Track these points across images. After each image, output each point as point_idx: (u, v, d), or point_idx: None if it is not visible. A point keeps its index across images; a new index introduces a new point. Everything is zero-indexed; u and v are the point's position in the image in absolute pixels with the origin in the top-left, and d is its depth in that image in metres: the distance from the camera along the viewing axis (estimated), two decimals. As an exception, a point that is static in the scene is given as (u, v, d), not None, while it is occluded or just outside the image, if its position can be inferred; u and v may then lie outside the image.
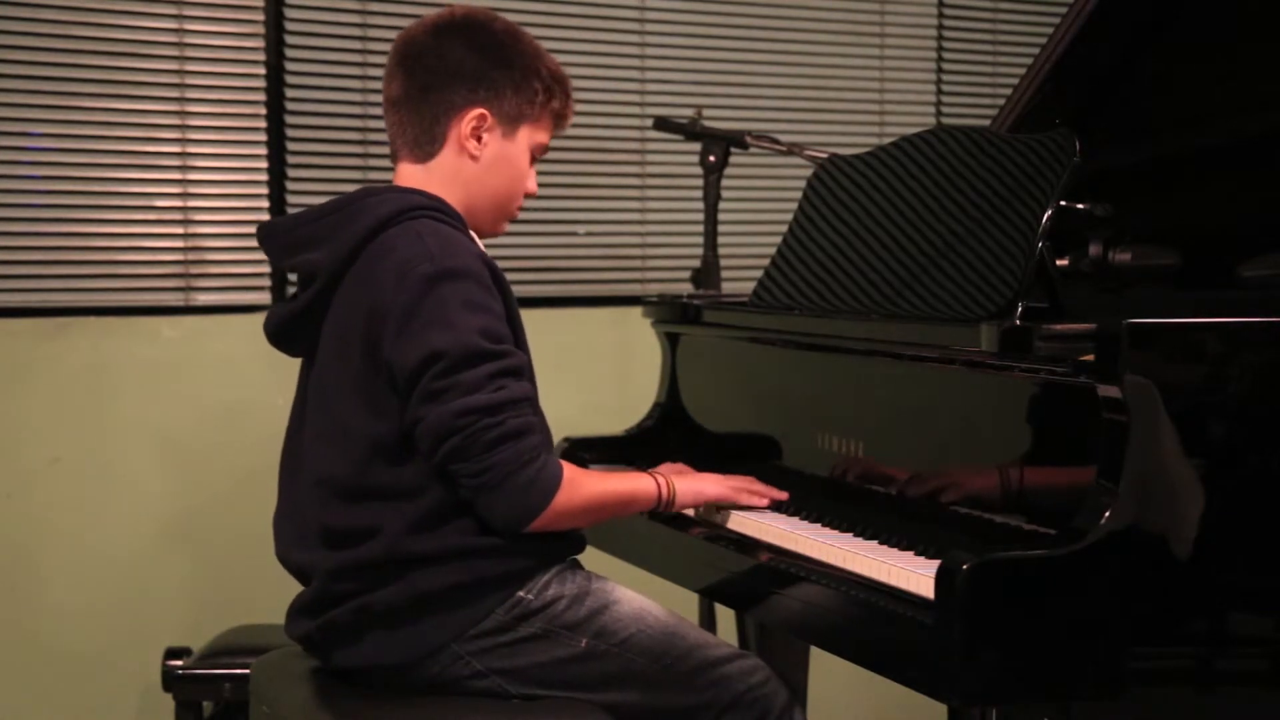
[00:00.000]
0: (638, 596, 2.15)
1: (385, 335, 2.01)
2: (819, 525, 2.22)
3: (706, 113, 3.15)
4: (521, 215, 3.92)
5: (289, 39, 3.62)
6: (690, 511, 2.38)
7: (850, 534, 2.16)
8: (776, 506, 2.32)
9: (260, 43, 3.59)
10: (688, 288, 3.13)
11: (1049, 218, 2.10)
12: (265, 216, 3.58)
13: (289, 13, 3.61)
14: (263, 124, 3.60)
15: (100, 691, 3.43)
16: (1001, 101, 2.74)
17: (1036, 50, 2.58)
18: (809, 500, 2.31)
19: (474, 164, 2.16)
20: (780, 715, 2.13)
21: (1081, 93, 2.61)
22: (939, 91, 4.40)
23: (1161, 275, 2.36)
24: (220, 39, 3.57)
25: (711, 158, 3.02)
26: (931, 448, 2.16)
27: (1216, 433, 1.86)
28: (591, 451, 2.72)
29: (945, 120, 4.36)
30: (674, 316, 2.81)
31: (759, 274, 2.59)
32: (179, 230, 3.55)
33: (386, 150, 2.25)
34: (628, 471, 2.26)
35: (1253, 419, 1.87)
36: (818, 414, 2.39)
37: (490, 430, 1.97)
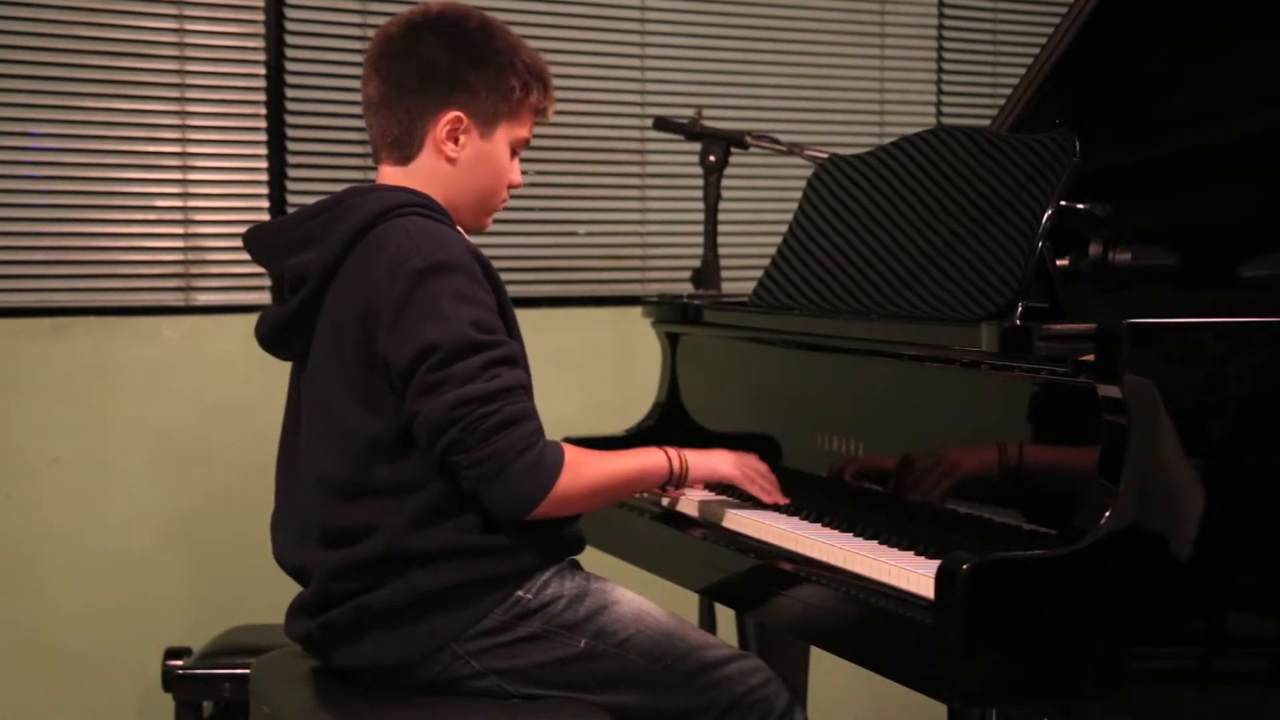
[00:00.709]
0: (637, 597, 2.15)
1: (378, 331, 2.01)
2: (819, 525, 2.22)
3: (706, 113, 3.15)
4: (522, 215, 3.94)
5: (289, 39, 3.62)
6: (691, 510, 2.38)
7: (850, 534, 2.16)
8: (777, 506, 2.32)
9: (260, 43, 3.59)
10: (688, 288, 3.13)
11: (1049, 218, 2.10)
12: (265, 216, 3.58)
13: (289, 13, 3.61)
14: (263, 124, 3.60)
15: (100, 691, 3.43)
16: (1001, 101, 2.74)
17: (1036, 50, 2.58)
18: (809, 500, 2.31)
19: (452, 166, 2.16)
20: (781, 716, 2.13)
21: (1081, 93, 2.61)
22: (939, 91, 4.40)
23: (1161, 275, 2.37)
24: (220, 39, 3.57)
25: (711, 158, 3.02)
26: (931, 448, 2.16)
27: (1216, 433, 1.86)
28: (591, 451, 2.72)
29: (945, 120, 4.36)
30: (674, 316, 2.81)
31: (759, 274, 2.59)
32: (179, 230, 3.55)
33: (387, 151, 2.24)
34: (635, 449, 2.25)
35: (1253, 419, 1.87)
36: (818, 414, 2.39)
37: (487, 419, 1.97)
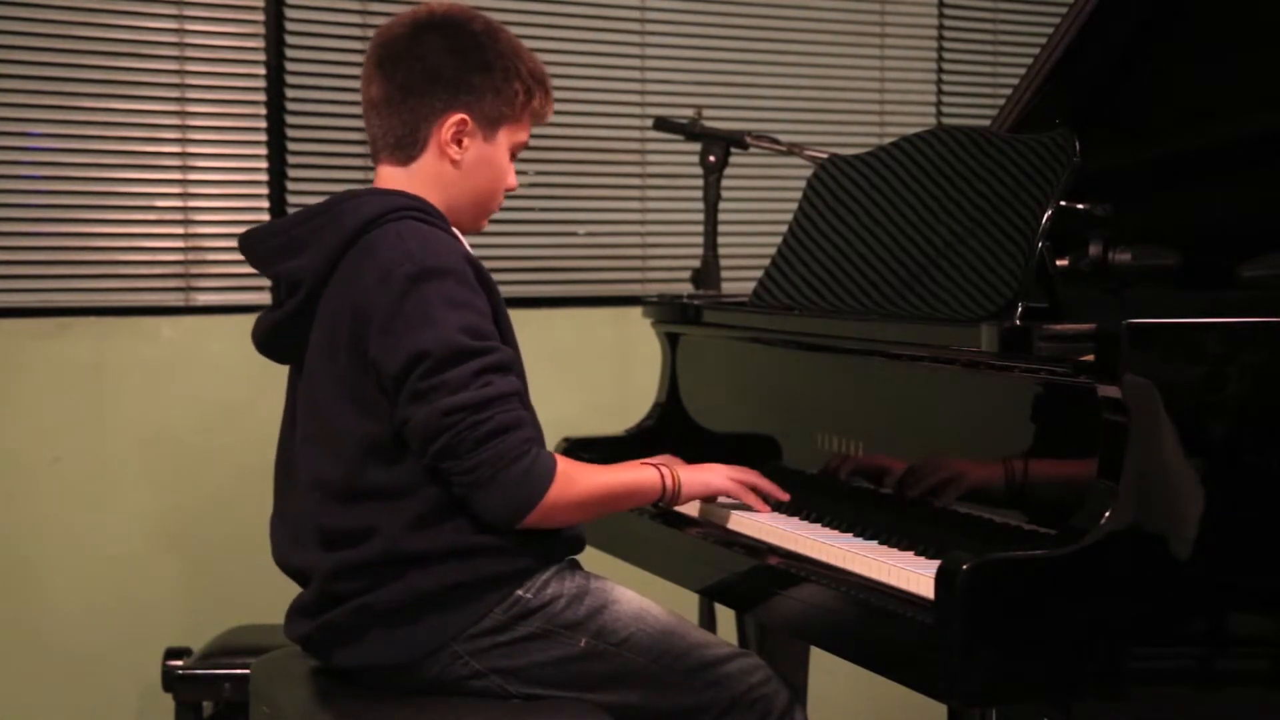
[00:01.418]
0: (637, 596, 2.15)
1: (370, 336, 2.01)
2: (819, 525, 2.22)
3: (706, 113, 3.15)
4: (522, 215, 3.94)
5: (289, 39, 3.62)
6: (692, 510, 2.38)
7: (850, 534, 2.16)
8: (776, 506, 2.32)
9: (260, 43, 3.60)
10: (688, 288, 3.13)
11: (1049, 218, 2.10)
12: (265, 217, 3.58)
13: (289, 13, 3.61)
14: (263, 124, 3.60)
15: (100, 691, 3.43)
16: (1001, 101, 2.74)
17: (1036, 50, 2.58)
18: (809, 500, 2.31)
19: (455, 168, 2.16)
20: (781, 716, 2.13)
21: (1081, 93, 2.61)
22: (939, 91, 4.40)
23: (1161, 275, 2.36)
24: (220, 39, 3.57)
25: (711, 158, 3.01)
26: (931, 448, 2.16)
27: (1216, 433, 1.86)
28: (591, 451, 2.72)
29: (945, 120, 4.36)
30: (674, 316, 2.81)
31: (759, 274, 2.59)
32: (179, 230, 3.55)
33: (387, 151, 2.24)
34: (629, 463, 2.25)
35: (1253, 419, 1.87)
36: (818, 414, 2.39)
37: (478, 427, 1.97)
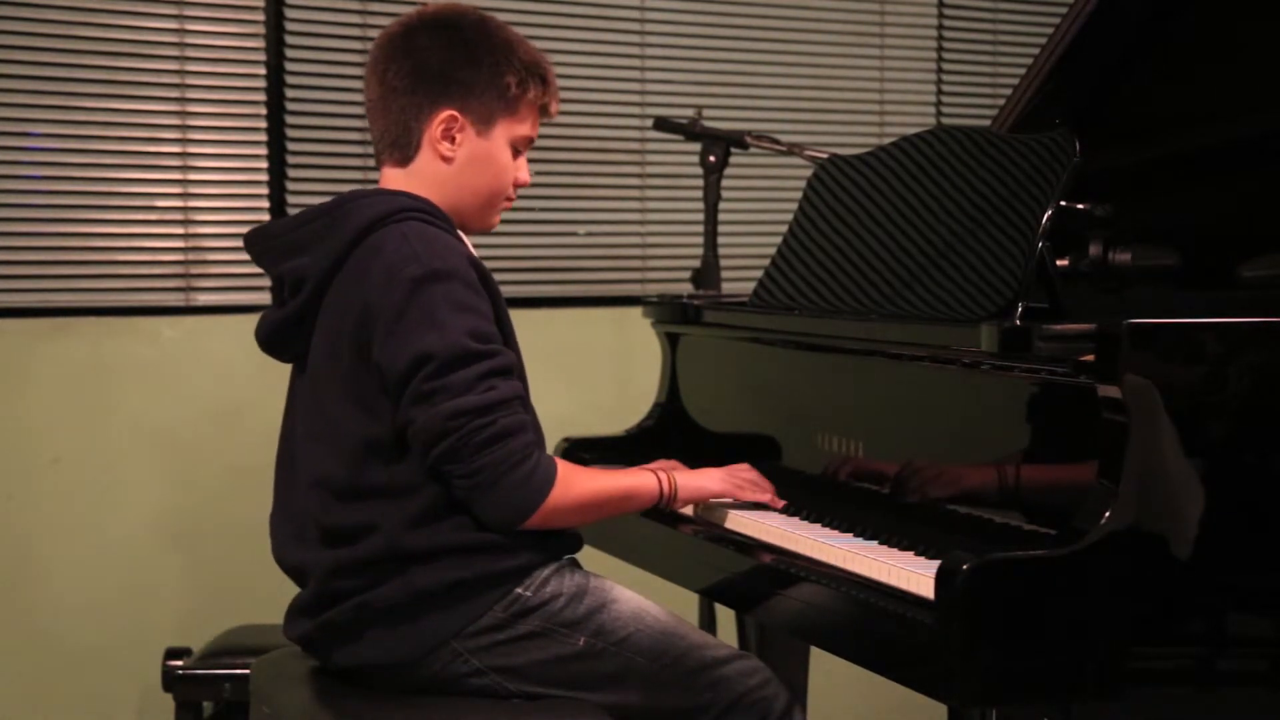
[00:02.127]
0: (636, 596, 2.15)
1: (374, 338, 2.01)
2: (819, 525, 2.22)
3: (706, 113, 3.15)
4: (522, 215, 3.94)
5: (289, 39, 3.62)
6: (689, 510, 2.38)
7: (850, 534, 2.16)
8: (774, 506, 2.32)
9: (260, 43, 3.59)
10: (688, 288, 3.13)
11: (1049, 218, 2.10)
12: (265, 217, 3.59)
13: (289, 13, 3.61)
14: (263, 124, 3.60)
15: (100, 691, 3.43)
16: (1001, 101, 2.74)
17: (1036, 50, 2.58)
18: (809, 500, 2.31)
19: (449, 165, 2.15)
20: (780, 717, 2.13)
21: (1081, 93, 2.61)
22: (939, 91, 4.40)
23: (1161, 275, 2.36)
24: (220, 39, 3.57)
25: (711, 158, 3.01)
26: (931, 448, 2.16)
27: (1216, 433, 1.86)
28: (591, 452, 2.72)
29: (945, 120, 4.36)
30: (674, 316, 2.81)
31: (759, 274, 2.59)
32: (179, 230, 3.55)
33: (387, 151, 2.24)
34: (627, 468, 2.26)
35: (1253, 419, 1.87)
36: (818, 414, 2.39)
37: (482, 431, 1.97)
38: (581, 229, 3.98)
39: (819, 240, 2.51)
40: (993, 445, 2.05)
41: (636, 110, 3.98)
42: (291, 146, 3.63)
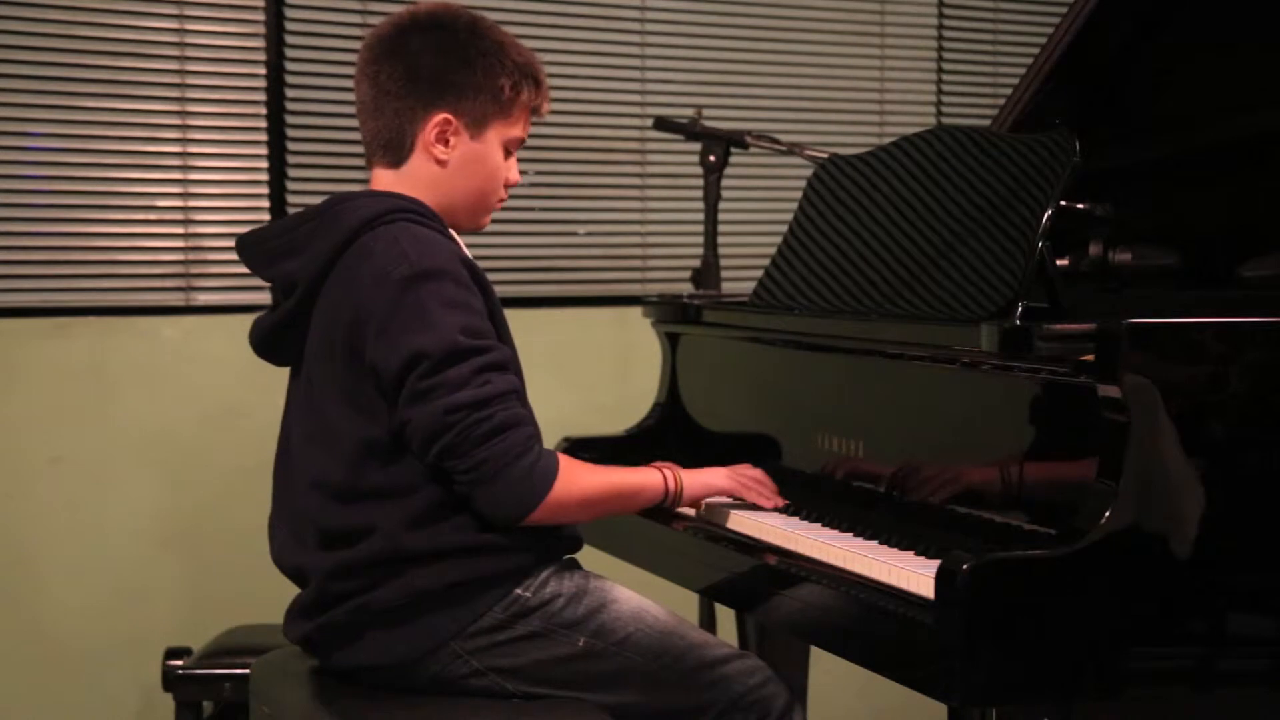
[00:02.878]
0: (636, 596, 2.15)
1: (367, 339, 2.01)
2: (819, 525, 2.22)
3: (706, 113, 3.15)
4: (522, 215, 3.94)
5: (289, 39, 3.62)
6: (691, 510, 2.38)
7: (850, 534, 2.15)
8: (776, 506, 2.32)
9: (261, 43, 3.60)
10: (688, 288, 3.13)
11: (1049, 218, 2.10)
12: (265, 217, 3.59)
13: (289, 13, 3.62)
14: (263, 124, 3.61)
15: (100, 691, 3.43)
16: (1001, 101, 2.74)
17: (1036, 50, 2.58)
18: (809, 500, 2.31)
19: (442, 168, 2.15)
20: (780, 716, 2.13)
21: (1081, 93, 2.61)
22: (939, 91, 4.40)
23: (1161, 275, 2.36)
24: (221, 39, 3.57)
25: (711, 158, 3.01)
26: (931, 448, 2.16)
27: (1216, 433, 1.86)
28: (591, 451, 2.72)
29: (945, 120, 4.36)
30: (674, 316, 2.81)
31: (759, 274, 2.59)
32: (179, 230, 3.55)
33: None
34: (633, 467, 2.25)
35: (1253, 419, 1.87)
36: (818, 414, 2.39)
37: (481, 425, 1.97)
38: (582, 229, 3.98)
39: (819, 240, 2.51)
40: (993, 445, 2.05)
41: (636, 110, 3.98)
42: (291, 146, 3.63)
